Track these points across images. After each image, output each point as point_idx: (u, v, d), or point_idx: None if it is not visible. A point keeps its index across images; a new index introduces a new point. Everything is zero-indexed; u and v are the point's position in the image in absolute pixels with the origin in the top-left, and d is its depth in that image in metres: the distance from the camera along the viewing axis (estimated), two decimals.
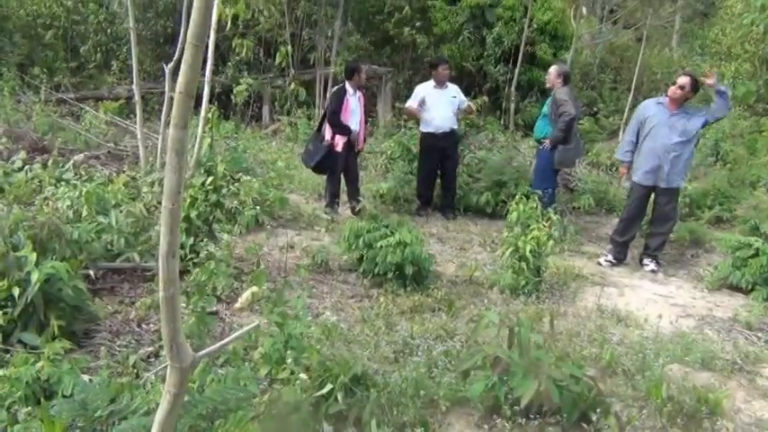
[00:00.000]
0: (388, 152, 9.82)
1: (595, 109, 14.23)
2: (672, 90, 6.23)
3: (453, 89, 7.87)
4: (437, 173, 8.00)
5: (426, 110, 7.78)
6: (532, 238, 5.27)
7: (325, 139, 7.09)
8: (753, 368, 4.15)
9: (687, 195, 8.02)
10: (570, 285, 5.63)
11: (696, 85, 6.18)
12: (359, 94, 7.27)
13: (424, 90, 7.88)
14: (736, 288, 5.80)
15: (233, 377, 2.92)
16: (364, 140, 7.75)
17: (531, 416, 3.14)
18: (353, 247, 5.39)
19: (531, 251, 5.21)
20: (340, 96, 7.03)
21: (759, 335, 4.73)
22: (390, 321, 4.55)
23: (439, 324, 4.49)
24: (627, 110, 11.90)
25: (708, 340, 4.51)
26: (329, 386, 3.18)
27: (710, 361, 4.06)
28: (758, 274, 5.57)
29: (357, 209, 7.01)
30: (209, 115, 5.85)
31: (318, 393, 3.16)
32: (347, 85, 7.11)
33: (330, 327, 3.88)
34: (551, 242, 5.37)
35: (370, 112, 13.57)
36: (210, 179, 5.27)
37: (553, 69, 7.33)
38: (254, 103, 13.18)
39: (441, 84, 7.80)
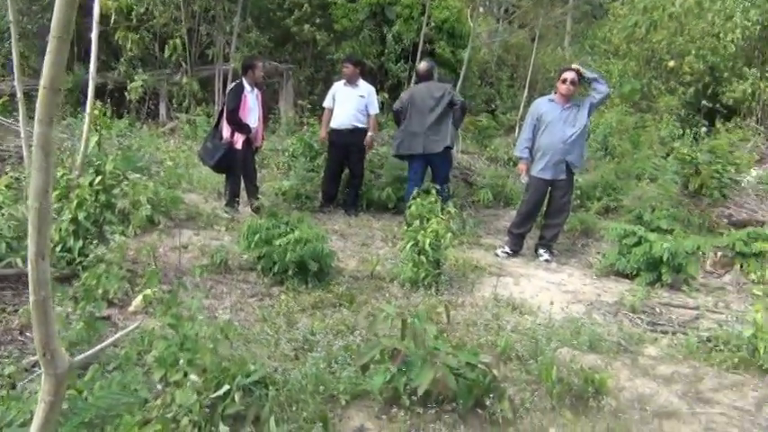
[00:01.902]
0: (291, 150, 9.73)
1: (493, 105, 14.66)
2: (564, 87, 6.51)
3: (365, 89, 7.82)
4: (341, 170, 8.00)
5: (335, 105, 7.80)
6: (431, 231, 5.36)
7: (224, 137, 6.94)
8: (636, 348, 4.39)
9: (578, 187, 8.39)
10: (469, 276, 5.77)
11: (580, 78, 6.50)
12: (257, 90, 7.16)
13: (336, 87, 7.94)
14: (622, 274, 6.12)
15: (118, 382, 2.81)
16: (263, 138, 7.65)
17: (429, 405, 3.20)
18: (252, 246, 5.30)
19: (430, 244, 5.30)
20: (237, 93, 6.90)
21: (642, 317, 5.01)
22: (291, 319, 4.51)
23: (340, 319, 4.50)
24: (522, 106, 12.31)
25: (595, 324, 4.73)
26: (226, 387, 3.12)
27: (597, 343, 4.26)
28: (641, 260, 5.89)
29: (255, 206, 6.90)
30: (96, 112, 5.59)
31: (215, 395, 3.09)
32: (244, 82, 6.99)
33: (226, 326, 3.79)
34: (450, 235, 5.48)
35: (271, 109, 13.44)
36: (99, 179, 5.05)
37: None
38: (149, 100, 12.71)
39: (350, 82, 7.80)
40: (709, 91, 13.44)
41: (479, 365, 3.33)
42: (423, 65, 7.66)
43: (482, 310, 4.90)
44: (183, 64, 12.49)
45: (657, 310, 5.22)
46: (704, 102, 13.31)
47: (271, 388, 3.28)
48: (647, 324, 4.89)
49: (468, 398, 3.20)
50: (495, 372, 3.38)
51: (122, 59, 12.16)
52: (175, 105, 12.81)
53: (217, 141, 6.95)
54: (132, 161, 7.12)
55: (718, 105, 13.20)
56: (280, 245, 5.18)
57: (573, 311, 5.00)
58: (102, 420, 2.51)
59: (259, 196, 7.15)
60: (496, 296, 5.20)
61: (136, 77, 11.53)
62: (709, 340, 4.46)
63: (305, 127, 10.07)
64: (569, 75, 6.50)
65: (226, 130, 6.94)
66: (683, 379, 3.93)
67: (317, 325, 4.29)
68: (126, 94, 11.51)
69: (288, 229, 5.33)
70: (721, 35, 13.06)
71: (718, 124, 12.60)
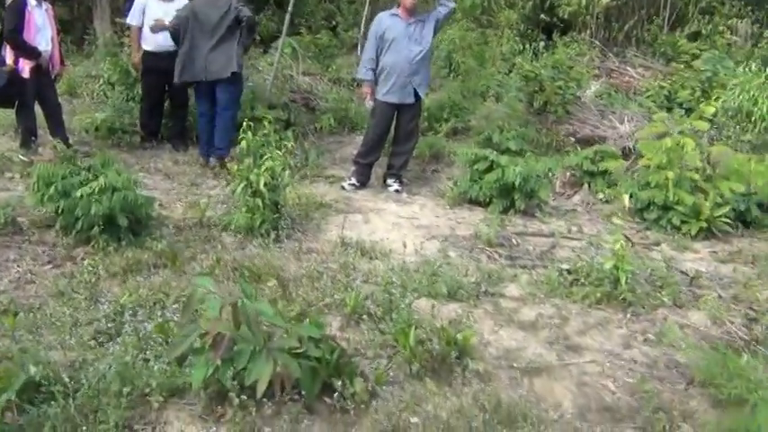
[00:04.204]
0: (105, 76, 8.46)
1: (334, 22, 13.78)
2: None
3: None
4: (162, 98, 6.95)
5: (146, 23, 6.63)
6: (266, 169, 4.65)
7: (6, 63, 5.67)
8: (496, 289, 4.03)
9: (425, 109, 7.91)
10: (313, 216, 5.15)
11: None
12: (46, 4, 5.89)
13: (146, 1, 6.68)
14: (475, 202, 5.78)
15: None
16: (62, 62, 6.40)
17: (265, 398, 2.58)
18: (46, 199, 4.33)
19: (265, 185, 4.59)
20: (18, 9, 5.60)
21: (499, 251, 4.67)
22: (97, 290, 3.68)
23: (158, 285, 3.73)
24: (363, 23, 11.57)
25: (452, 264, 4.32)
26: None
27: (456, 290, 3.84)
28: (494, 187, 5.57)
29: (53, 145, 5.60)
30: None
31: None
32: None
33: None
34: (288, 172, 4.81)
35: (86, 29, 11.77)
36: None
37: None
38: None
39: None
40: (547, 4, 13.43)
41: (324, 339, 2.76)
42: None
43: (329, 259, 4.32)
44: None
45: (514, 241, 4.91)
46: (542, 16, 13.28)
47: (58, 395, 2.53)
48: (505, 258, 4.55)
49: (312, 384, 2.63)
50: (342, 344, 2.83)
51: None
52: None
53: None
54: None
55: (555, 19, 13.24)
56: (81, 196, 4.24)
57: (428, 251, 4.55)
58: None
59: (66, 137, 5.98)
60: (344, 239, 4.62)
61: None
62: (569, 272, 4.19)
63: (124, 49, 8.78)
64: None
65: (8, 56, 5.67)
66: (549, 323, 3.62)
67: (126, 297, 3.49)
68: None
69: (90, 176, 4.39)
70: None
71: (556, 38, 12.65)
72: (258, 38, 12.05)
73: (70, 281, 3.78)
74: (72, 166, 4.45)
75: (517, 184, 5.42)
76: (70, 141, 6.37)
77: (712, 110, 5.95)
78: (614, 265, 3.91)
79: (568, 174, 6.31)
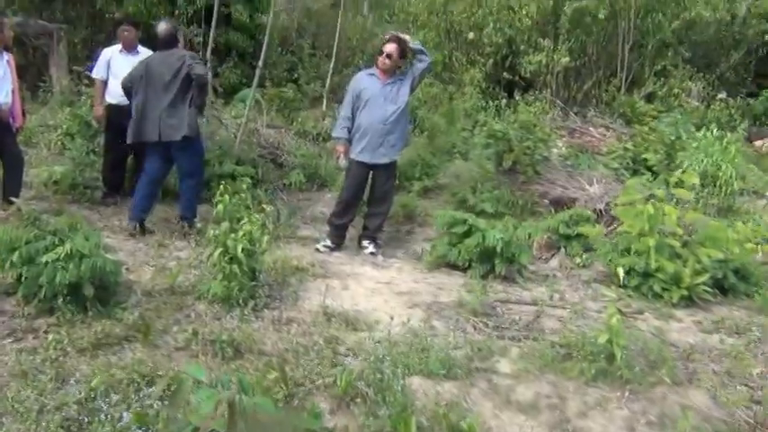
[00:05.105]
0: (64, 127, 8.17)
1: (296, 75, 13.76)
2: (380, 60, 5.91)
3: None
4: (125, 153, 6.69)
5: (111, 77, 6.47)
6: (244, 234, 4.45)
7: None
8: (488, 364, 3.88)
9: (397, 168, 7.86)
10: (290, 283, 4.93)
11: (404, 51, 5.90)
12: (7, 55, 5.65)
13: (111, 54, 6.61)
14: (453, 266, 5.66)
15: None
16: (24, 115, 6.12)
17: None
18: (8, 265, 4.02)
19: (243, 251, 4.38)
20: None
21: (485, 320, 4.53)
22: (65, 369, 3.38)
23: (130, 363, 3.45)
24: (329, 77, 11.56)
25: (439, 336, 4.16)
26: None
27: (450, 368, 3.67)
28: (474, 251, 5.47)
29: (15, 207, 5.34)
30: None
31: None
32: None
33: None
34: (267, 237, 4.62)
35: (42, 76, 11.44)
36: None
37: None
38: None
39: (128, 48, 6.52)
40: (508, 63, 13.71)
41: None
42: (162, 26, 5.89)
43: (312, 331, 4.09)
44: None
45: (498, 310, 4.78)
46: (504, 74, 13.54)
47: None
48: (492, 329, 4.41)
49: None
50: None
51: None
52: None
53: None
54: None
55: (517, 78, 13.51)
56: (46, 263, 3.96)
57: (413, 321, 4.36)
58: None
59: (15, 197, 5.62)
60: (326, 309, 4.42)
61: None
62: (561, 346, 4.08)
63: (82, 98, 8.53)
64: (388, 47, 5.87)
65: None
66: (548, 404, 3.47)
67: (97, 380, 3.20)
68: None
69: (56, 241, 4.11)
70: (517, 9, 13.34)
71: (517, 96, 12.88)
72: (221, 89, 11.96)
73: (34, 357, 3.47)
74: (37, 230, 4.16)
75: (498, 249, 5.34)
76: (28, 196, 6.08)
77: (696, 180, 5.99)
78: (609, 340, 3.81)
79: (545, 237, 6.26)
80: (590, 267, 5.95)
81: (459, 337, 4.19)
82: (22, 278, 3.99)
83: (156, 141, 5.73)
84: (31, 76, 11.73)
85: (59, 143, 8.11)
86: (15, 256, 3.99)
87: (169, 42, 5.85)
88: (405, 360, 3.68)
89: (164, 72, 5.68)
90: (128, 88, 5.85)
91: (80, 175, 6.76)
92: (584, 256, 6.02)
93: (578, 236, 6.19)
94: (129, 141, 5.89)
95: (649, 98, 12.78)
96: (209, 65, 9.13)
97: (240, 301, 4.33)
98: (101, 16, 12.18)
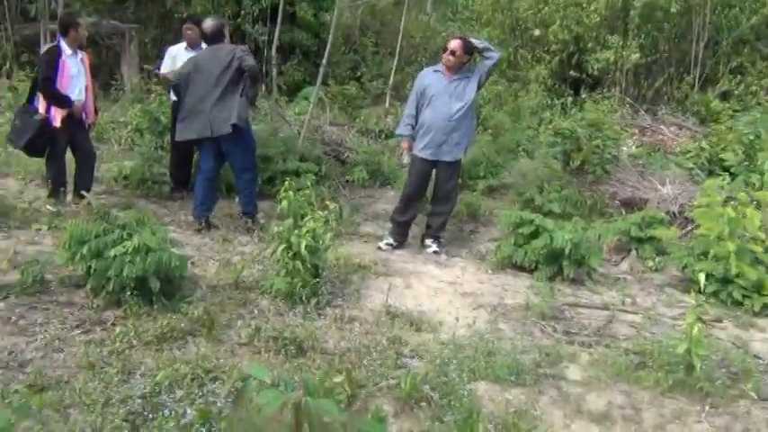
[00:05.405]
0: (134, 123, 8.35)
1: (359, 73, 13.76)
2: (445, 57, 5.79)
3: None
4: (193, 149, 6.78)
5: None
6: (308, 231, 4.41)
7: (38, 111, 5.53)
8: (556, 370, 3.73)
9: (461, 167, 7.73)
10: (353, 280, 4.88)
11: (469, 48, 5.76)
12: (81, 53, 5.78)
13: (176, 52, 6.71)
14: (518, 267, 5.50)
15: None
16: (96, 112, 6.26)
17: None
18: (78, 259, 4.09)
19: (307, 247, 4.34)
20: (53, 58, 5.48)
21: (554, 324, 4.37)
22: (130, 361, 3.41)
23: (194, 358, 3.44)
24: (392, 75, 11.50)
25: (506, 339, 4.03)
26: None
27: (518, 373, 3.54)
28: (541, 252, 5.30)
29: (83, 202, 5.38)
30: None
31: None
32: (63, 44, 5.58)
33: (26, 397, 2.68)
34: (330, 234, 4.57)
35: (113, 74, 11.75)
36: None
37: None
38: None
39: (192, 46, 6.61)
40: (574, 60, 13.35)
41: None
42: (209, 22, 5.87)
43: (375, 330, 4.02)
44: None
45: (567, 313, 4.62)
46: (571, 71, 13.19)
47: None
48: (561, 333, 4.25)
49: None
50: None
51: None
52: None
53: (27, 117, 5.51)
54: None
55: (584, 75, 13.14)
56: (114, 256, 4.01)
57: (478, 322, 4.25)
58: None
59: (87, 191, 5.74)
60: (389, 309, 4.34)
61: None
62: (634, 353, 3.89)
63: (152, 95, 8.72)
64: (452, 44, 5.75)
65: (40, 104, 5.53)
66: (621, 414, 3.30)
67: (163, 373, 3.20)
68: None
69: (124, 235, 4.16)
70: (585, 5, 12.97)
71: (584, 94, 12.53)
72: (284, 87, 12.05)
73: (101, 349, 3.51)
74: (106, 224, 4.22)
75: (567, 250, 5.15)
76: (98, 190, 6.21)
77: None
78: (687, 349, 3.60)
79: (615, 239, 6.02)
80: (663, 271, 5.71)
81: (527, 341, 4.06)
82: (92, 271, 4.05)
83: (207, 137, 5.71)
84: (103, 74, 12.06)
85: (129, 139, 8.28)
86: (85, 249, 4.05)
87: (216, 37, 5.82)
88: (471, 364, 3.57)
89: (213, 67, 5.66)
90: (177, 86, 5.91)
91: (149, 170, 6.87)
92: (656, 260, 5.78)
93: (650, 238, 5.95)
94: (177, 139, 5.94)
95: (724, 96, 12.24)
96: (274, 61, 9.23)
97: (303, 297, 4.30)
98: (170, 16, 12.41)
